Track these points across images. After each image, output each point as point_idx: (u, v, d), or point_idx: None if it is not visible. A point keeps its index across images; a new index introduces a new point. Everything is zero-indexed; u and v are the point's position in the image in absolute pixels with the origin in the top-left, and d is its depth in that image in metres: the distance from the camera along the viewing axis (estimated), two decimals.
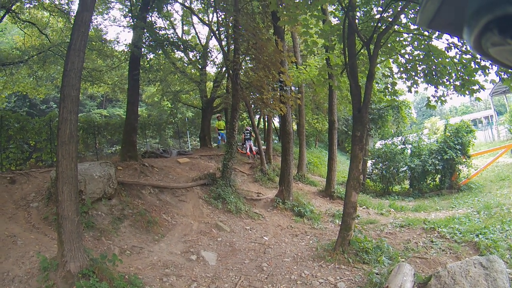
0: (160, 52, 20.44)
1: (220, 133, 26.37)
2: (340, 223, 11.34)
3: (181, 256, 10.69)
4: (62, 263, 7.39)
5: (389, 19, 9.84)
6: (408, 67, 11.47)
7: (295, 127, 28.71)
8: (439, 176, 20.97)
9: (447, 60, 10.47)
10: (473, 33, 0.87)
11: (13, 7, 18.58)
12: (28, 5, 19.98)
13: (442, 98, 11.45)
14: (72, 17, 19.34)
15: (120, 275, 8.07)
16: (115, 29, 57.95)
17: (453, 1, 0.88)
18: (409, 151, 22.27)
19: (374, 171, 23.09)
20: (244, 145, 25.93)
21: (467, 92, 10.81)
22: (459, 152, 19.97)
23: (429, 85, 11.45)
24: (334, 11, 13.38)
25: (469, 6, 0.85)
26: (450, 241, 10.92)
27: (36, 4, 19.48)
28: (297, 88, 22.91)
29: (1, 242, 9.07)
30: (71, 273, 7.30)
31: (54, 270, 7.40)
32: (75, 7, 19.74)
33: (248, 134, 25.21)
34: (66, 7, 20.02)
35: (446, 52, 10.38)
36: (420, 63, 11.14)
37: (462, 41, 9.61)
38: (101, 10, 21.62)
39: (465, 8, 0.86)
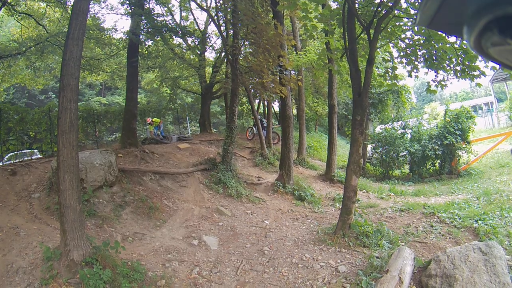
0: (158, 38, 20.45)
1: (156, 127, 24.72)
2: (340, 207, 11.40)
3: (183, 241, 10.77)
4: (65, 252, 7.44)
5: (389, 3, 9.76)
6: (408, 51, 11.40)
7: (295, 111, 28.65)
8: (438, 161, 20.92)
9: (448, 45, 10.37)
10: (473, 33, 0.87)
11: (9, 0, 18.47)
12: None
13: (443, 82, 11.40)
14: (69, 7, 19.26)
15: (123, 262, 8.14)
16: (113, 17, 57.88)
17: (454, 1, 0.88)
18: (409, 135, 22.17)
19: (374, 155, 23.07)
20: (253, 131, 26.58)
21: (467, 78, 10.80)
22: (459, 138, 19.89)
23: (429, 70, 11.37)
24: None
25: (469, 6, 0.85)
26: (450, 226, 10.98)
27: None
28: (296, 72, 22.84)
29: (4, 234, 9.14)
30: (75, 262, 7.36)
31: (57, 259, 7.45)
32: None
33: (264, 123, 25.46)
34: None
35: (446, 37, 10.33)
36: (420, 48, 11.06)
37: None
38: None
39: (465, 8, 0.87)
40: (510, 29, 0.82)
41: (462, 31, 0.92)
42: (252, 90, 20.31)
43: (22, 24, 21.77)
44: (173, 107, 30.49)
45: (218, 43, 28.93)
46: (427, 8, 0.93)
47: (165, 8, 24.81)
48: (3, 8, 18.85)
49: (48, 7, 21.59)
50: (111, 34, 23.58)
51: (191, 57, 27.91)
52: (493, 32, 0.84)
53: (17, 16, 20.33)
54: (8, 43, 22.34)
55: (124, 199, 12.20)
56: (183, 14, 29.47)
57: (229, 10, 16.19)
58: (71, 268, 7.31)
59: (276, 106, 33.79)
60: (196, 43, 25.71)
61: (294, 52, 21.26)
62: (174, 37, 22.45)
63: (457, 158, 20.38)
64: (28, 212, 10.81)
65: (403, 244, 9.54)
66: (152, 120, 23.93)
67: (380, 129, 23.71)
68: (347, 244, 9.75)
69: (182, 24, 26.22)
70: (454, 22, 0.94)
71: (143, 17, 17.51)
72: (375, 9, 10.01)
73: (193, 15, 29.06)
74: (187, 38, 24.01)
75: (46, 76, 26.43)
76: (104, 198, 11.84)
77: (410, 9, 10.29)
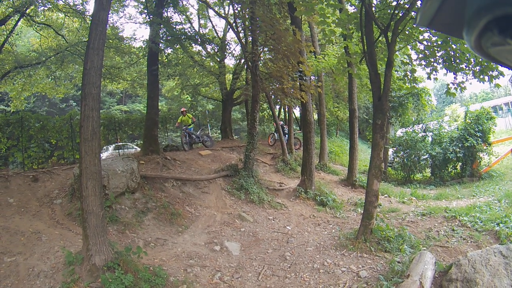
0: (177, 46, 20.54)
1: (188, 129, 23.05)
2: (362, 211, 11.30)
3: (204, 247, 10.81)
4: (87, 257, 7.53)
5: (406, 5, 9.74)
6: (427, 53, 11.32)
7: (316, 116, 28.58)
8: (460, 164, 20.67)
9: (466, 45, 10.32)
10: (473, 33, 0.87)
11: (28, 11, 18.70)
12: (42, 8, 20.05)
13: (462, 84, 11.28)
14: (87, 17, 19.78)
15: (144, 267, 8.19)
16: (131, 26, 58.40)
17: (454, 1, 0.89)
18: (430, 138, 21.88)
19: (395, 160, 22.87)
20: (274, 137, 26.74)
21: (486, 78, 10.68)
22: (479, 140, 19.66)
23: (448, 71, 11.32)
24: None
25: (469, 6, 0.86)
26: (471, 229, 10.79)
27: (50, 6, 19.49)
28: (316, 77, 22.79)
29: (25, 239, 9.28)
30: (96, 266, 7.45)
31: (79, 264, 7.55)
32: (89, 7, 20.01)
33: (286, 129, 25.46)
34: (81, 7, 20.13)
35: None
36: (439, 49, 10.97)
37: None
38: (116, 8, 21.63)
39: (465, 8, 0.87)
40: (510, 29, 0.82)
41: (462, 31, 0.92)
42: (272, 96, 20.31)
43: (41, 34, 22.14)
44: (194, 114, 30.57)
45: (237, 50, 29.03)
46: (427, 8, 0.94)
47: (184, 16, 24.99)
48: (21, 19, 19.13)
49: (67, 17, 21.79)
50: (130, 43, 23.82)
51: (211, 64, 27.99)
52: (493, 32, 0.84)
53: (36, 26, 20.71)
54: (27, 53, 22.64)
55: (146, 205, 12.29)
56: (202, 21, 29.57)
57: (247, 17, 16.22)
58: (92, 273, 7.41)
59: (297, 112, 33.74)
60: (216, 50, 25.84)
61: (313, 56, 21.22)
62: (193, 44, 22.55)
63: (478, 160, 20.16)
64: (50, 218, 10.98)
65: (425, 248, 9.43)
66: (186, 112, 23.59)
67: (401, 132, 23.45)
68: (368, 249, 9.68)
69: (201, 32, 26.46)
70: (454, 22, 0.94)
71: (162, 26, 17.70)
72: (392, 11, 9.95)
73: (211, 22, 29.05)
74: (207, 45, 24.14)
75: (67, 85, 26.61)
76: (126, 204, 11.94)
77: None
